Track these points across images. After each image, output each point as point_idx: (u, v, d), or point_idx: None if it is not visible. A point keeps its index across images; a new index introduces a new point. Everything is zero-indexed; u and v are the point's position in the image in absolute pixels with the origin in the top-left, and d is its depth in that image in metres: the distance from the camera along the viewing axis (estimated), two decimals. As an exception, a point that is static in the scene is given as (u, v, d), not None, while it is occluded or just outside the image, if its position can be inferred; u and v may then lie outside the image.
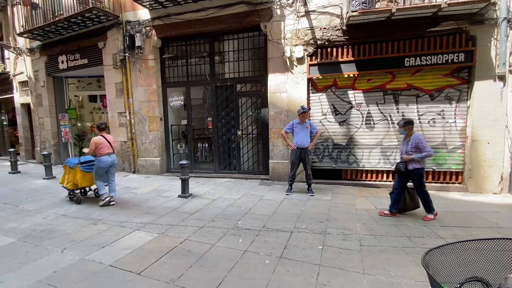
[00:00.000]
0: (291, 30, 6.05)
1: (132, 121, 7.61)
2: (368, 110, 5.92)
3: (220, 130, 7.23)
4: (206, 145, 7.78)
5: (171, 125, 7.78)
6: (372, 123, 5.93)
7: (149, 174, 7.49)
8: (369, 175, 6.05)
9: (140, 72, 7.36)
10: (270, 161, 6.53)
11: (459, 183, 5.57)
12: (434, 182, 5.66)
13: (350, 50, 5.77)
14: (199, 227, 3.87)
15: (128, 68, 7.42)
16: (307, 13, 5.92)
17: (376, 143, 5.93)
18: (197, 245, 3.31)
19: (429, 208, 4.07)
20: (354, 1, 5.11)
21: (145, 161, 7.56)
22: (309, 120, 5.72)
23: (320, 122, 6.17)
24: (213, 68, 7.17)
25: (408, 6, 4.99)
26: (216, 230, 3.77)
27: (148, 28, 7.14)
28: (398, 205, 4.19)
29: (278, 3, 6.09)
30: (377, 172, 6.00)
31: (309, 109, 5.91)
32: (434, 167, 5.62)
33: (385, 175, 5.97)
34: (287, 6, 6.05)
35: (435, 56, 5.33)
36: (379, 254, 3.04)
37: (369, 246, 3.23)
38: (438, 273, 0.95)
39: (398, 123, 4.31)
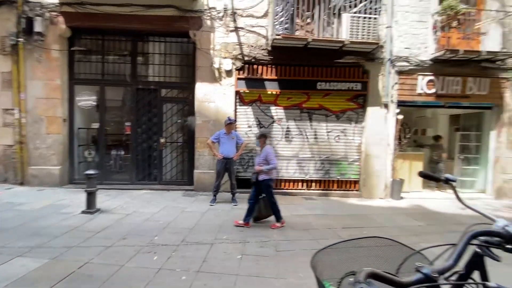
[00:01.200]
0: (221, 43, 6.18)
1: (23, 120, 6.19)
2: (288, 125, 6.51)
3: (140, 136, 6.64)
4: (122, 152, 6.97)
5: (78, 128, 6.70)
6: (290, 137, 6.53)
7: (44, 186, 6.16)
8: (287, 184, 6.59)
9: (39, 63, 6.12)
10: (195, 171, 6.35)
11: (356, 190, 6.65)
12: (339, 190, 6.59)
13: (274, 69, 6.28)
14: (106, 247, 3.39)
15: (21, 56, 6.06)
16: (236, 29, 6.18)
17: (293, 154, 6.53)
18: (102, 268, 2.89)
19: (277, 218, 4.29)
20: (278, 26, 5.63)
21: (39, 170, 6.21)
22: (236, 131, 5.87)
23: (246, 133, 6.41)
24: (134, 69, 6.60)
25: (321, 38, 5.81)
26: (127, 248, 3.38)
27: (55, 13, 6.07)
28: (252, 214, 4.32)
29: (209, 14, 6.15)
30: (294, 181, 6.59)
31: (235, 121, 6.08)
32: (338, 177, 6.56)
33: (300, 183, 6.61)
34: (217, 18, 6.17)
35: (340, 83, 6.33)
36: (292, 258, 3.30)
37: (284, 251, 3.49)
38: (325, 272, 1.09)
39: (256, 135, 4.60)
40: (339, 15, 5.87)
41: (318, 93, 6.39)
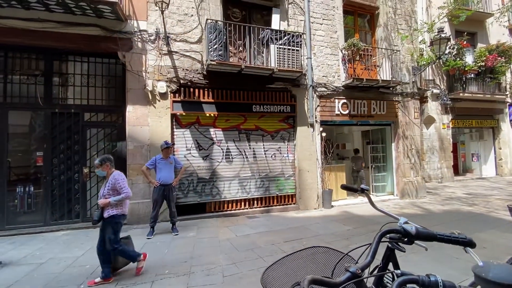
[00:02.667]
0: (154, 65, 6.03)
1: None
2: (227, 146, 6.65)
3: (56, 168, 5.72)
4: (32, 188, 5.79)
5: (-33, 163, 5.36)
6: (230, 157, 6.66)
7: None
8: (230, 205, 6.61)
9: None
10: (128, 201, 5.76)
11: (294, 203, 7.14)
12: (279, 205, 6.96)
13: (210, 92, 6.43)
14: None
15: None
16: (170, 53, 6.16)
17: (234, 175, 6.65)
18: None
19: (133, 258, 3.47)
20: (212, 52, 5.87)
21: None
22: (174, 155, 5.67)
23: (185, 157, 6.25)
24: (49, 91, 5.78)
25: (253, 65, 6.30)
26: (46, 305, 2.82)
27: None
28: (110, 265, 3.33)
29: (139, 36, 5.98)
30: (236, 201, 6.67)
31: (173, 144, 5.89)
32: (277, 193, 6.95)
33: (242, 203, 6.72)
34: (149, 41, 6.04)
35: (273, 106, 6.90)
36: (239, 281, 3.31)
37: (231, 275, 3.46)
38: (274, 287, 1.20)
39: (95, 163, 3.42)
40: (267, 45, 6.53)
41: (254, 115, 6.80)
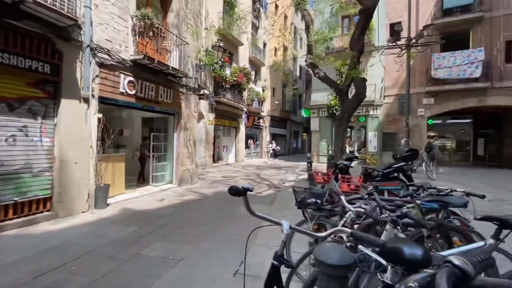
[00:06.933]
0: None
1: None
2: None
3: None
4: None
5: None
6: None
7: None
8: None
9: None
10: None
11: (48, 210, 4.88)
12: (19, 217, 4.39)
13: None
14: None
15: None
16: None
17: None
18: None
19: None
20: None
21: None
22: None
23: None
24: None
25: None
26: None
27: None
28: None
29: None
30: None
31: None
32: (16, 198, 4.35)
33: None
34: None
35: (18, 57, 4.21)
36: None
37: None
38: None
39: None
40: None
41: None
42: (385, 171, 4.41)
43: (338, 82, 10.20)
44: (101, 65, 5.67)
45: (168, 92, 7.84)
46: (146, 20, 6.51)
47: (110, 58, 5.86)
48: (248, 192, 1.44)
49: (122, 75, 6.23)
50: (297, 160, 20.49)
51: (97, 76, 5.60)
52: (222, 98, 14.24)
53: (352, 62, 7.42)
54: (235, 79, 14.90)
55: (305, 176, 10.43)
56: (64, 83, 4.95)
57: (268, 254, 3.53)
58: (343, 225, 2.66)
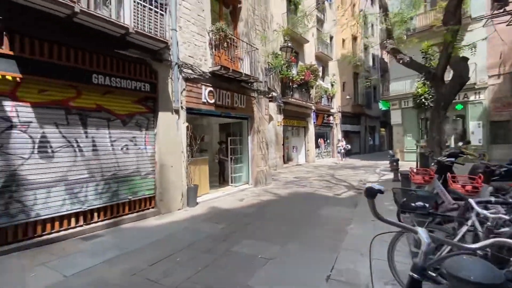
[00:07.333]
0: None
1: None
2: (43, 132, 4.16)
3: None
4: None
5: None
6: (50, 151, 4.23)
7: None
8: (48, 225, 4.20)
9: None
10: None
11: (153, 207, 5.72)
12: (133, 213, 5.29)
13: (7, 37, 3.71)
14: None
15: None
16: None
17: (58, 178, 4.29)
18: None
19: None
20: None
21: None
22: None
23: None
24: None
25: (94, 13, 4.25)
26: None
27: None
28: None
29: None
30: (63, 217, 4.35)
31: None
32: (130, 197, 5.25)
33: (73, 219, 4.50)
34: None
35: (126, 80, 5.09)
36: None
37: None
38: None
39: None
40: (120, -6, 4.68)
41: (95, 88, 4.69)
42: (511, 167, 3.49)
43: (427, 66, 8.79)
44: (186, 79, 6.36)
45: (241, 97, 8.23)
46: (221, 33, 7.00)
47: (193, 72, 6.52)
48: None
49: (203, 86, 6.85)
50: (375, 158, 18.62)
51: (184, 89, 6.30)
52: (289, 99, 14.15)
53: (448, 39, 6.21)
54: (302, 77, 14.60)
55: (390, 176, 9.34)
56: (160, 98, 5.74)
57: (360, 260, 3.24)
58: (464, 234, 2.21)
